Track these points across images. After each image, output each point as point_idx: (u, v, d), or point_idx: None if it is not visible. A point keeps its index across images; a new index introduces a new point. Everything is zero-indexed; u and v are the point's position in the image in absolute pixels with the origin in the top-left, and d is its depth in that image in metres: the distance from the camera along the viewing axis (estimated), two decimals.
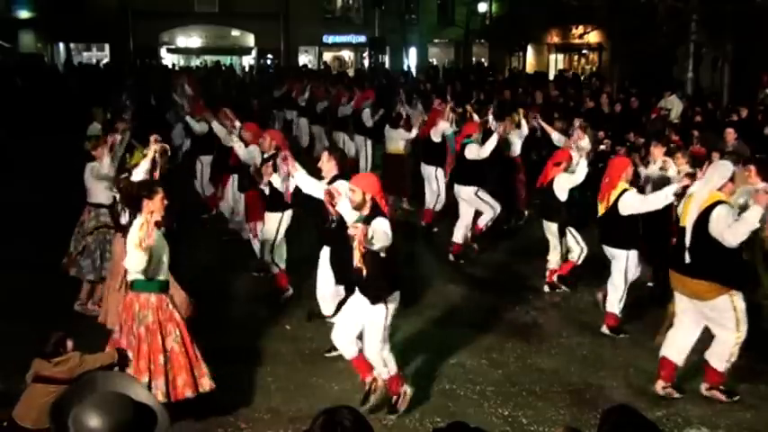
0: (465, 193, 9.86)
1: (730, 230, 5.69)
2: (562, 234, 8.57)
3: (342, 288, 7.07)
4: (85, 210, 7.73)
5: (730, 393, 6.18)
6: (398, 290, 5.69)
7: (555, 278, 8.77)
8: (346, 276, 6.47)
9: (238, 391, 6.11)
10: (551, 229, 8.63)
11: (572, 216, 8.68)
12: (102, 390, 2.62)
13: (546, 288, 8.79)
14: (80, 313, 7.58)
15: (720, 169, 6.05)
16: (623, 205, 7.17)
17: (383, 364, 5.76)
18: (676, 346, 6.23)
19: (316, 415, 2.69)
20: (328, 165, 6.89)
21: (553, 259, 8.81)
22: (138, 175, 6.50)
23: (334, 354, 6.74)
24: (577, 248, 8.59)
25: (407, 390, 5.89)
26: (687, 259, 5.96)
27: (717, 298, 5.91)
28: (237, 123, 9.49)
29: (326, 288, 7.27)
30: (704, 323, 6.14)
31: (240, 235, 9.87)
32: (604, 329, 7.57)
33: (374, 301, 5.56)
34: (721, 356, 6.05)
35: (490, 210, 9.91)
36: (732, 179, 5.96)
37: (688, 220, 5.99)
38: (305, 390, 6.25)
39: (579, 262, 8.67)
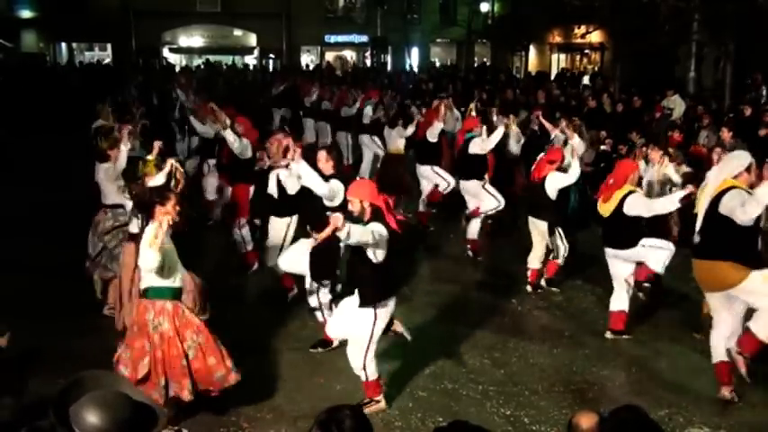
0: (471, 186, 9.87)
1: (741, 208, 5.61)
2: (551, 233, 8.57)
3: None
4: (100, 211, 7.69)
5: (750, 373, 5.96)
6: (391, 297, 5.67)
7: (543, 282, 8.76)
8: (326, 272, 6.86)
9: (240, 390, 6.09)
10: (539, 226, 8.62)
11: (562, 216, 8.69)
12: (98, 388, 2.62)
13: (528, 288, 8.78)
14: (80, 314, 7.54)
15: (737, 158, 6.03)
16: (629, 206, 7.13)
17: (361, 368, 5.76)
18: (724, 346, 6.08)
19: (318, 414, 2.70)
20: (326, 164, 6.92)
21: (534, 257, 8.83)
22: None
23: (320, 350, 6.89)
24: (561, 248, 8.59)
25: (381, 403, 5.84)
26: (699, 242, 5.94)
27: (744, 280, 5.76)
28: (225, 117, 9.51)
29: (292, 253, 7.37)
30: (741, 307, 6.01)
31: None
32: (608, 335, 7.52)
33: (361, 303, 5.59)
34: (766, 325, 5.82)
35: (494, 201, 9.89)
36: (749, 169, 5.93)
37: (701, 207, 5.99)
38: (307, 389, 6.25)
39: (562, 262, 8.67)
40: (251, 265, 9.23)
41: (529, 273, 8.84)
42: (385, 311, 5.66)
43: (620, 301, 7.47)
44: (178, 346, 5.25)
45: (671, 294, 8.41)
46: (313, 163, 6.95)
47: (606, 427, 2.94)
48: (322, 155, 6.99)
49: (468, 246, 10.11)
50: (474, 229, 10.03)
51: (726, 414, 5.96)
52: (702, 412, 5.96)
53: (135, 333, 5.34)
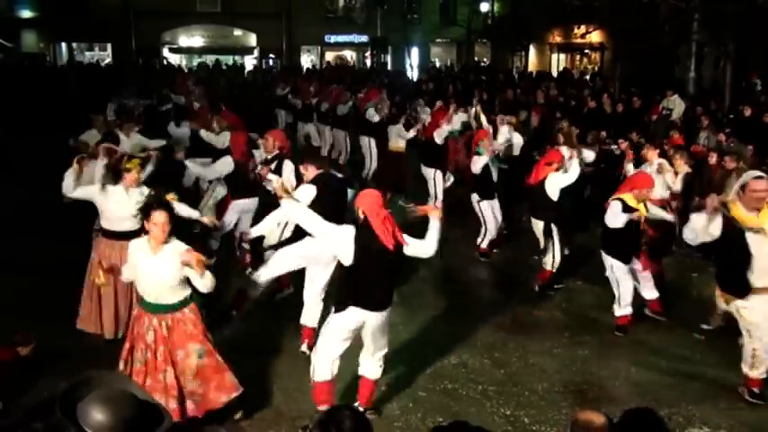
0: (472, 197, 9.89)
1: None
2: (547, 233, 8.59)
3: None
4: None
5: (756, 396, 6.11)
6: (350, 306, 5.36)
7: (537, 288, 8.74)
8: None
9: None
10: (539, 227, 8.66)
11: (560, 216, 8.69)
12: (104, 386, 2.65)
13: (551, 292, 8.79)
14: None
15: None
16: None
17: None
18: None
19: (318, 413, 2.70)
20: (309, 174, 6.92)
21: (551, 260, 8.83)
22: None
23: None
24: (556, 257, 8.60)
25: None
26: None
27: (731, 303, 6.01)
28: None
29: (312, 291, 7.04)
30: None
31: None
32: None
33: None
34: (744, 359, 6.15)
35: (485, 225, 9.90)
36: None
37: None
38: (307, 389, 6.21)
39: (554, 269, 8.67)
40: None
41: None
42: (341, 316, 5.39)
43: (646, 290, 7.74)
44: (159, 358, 5.25)
45: (671, 294, 8.41)
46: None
47: (618, 428, 2.95)
48: (302, 169, 6.99)
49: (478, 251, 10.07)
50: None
51: (726, 414, 5.96)
52: (702, 412, 5.97)
53: (133, 340, 5.37)
